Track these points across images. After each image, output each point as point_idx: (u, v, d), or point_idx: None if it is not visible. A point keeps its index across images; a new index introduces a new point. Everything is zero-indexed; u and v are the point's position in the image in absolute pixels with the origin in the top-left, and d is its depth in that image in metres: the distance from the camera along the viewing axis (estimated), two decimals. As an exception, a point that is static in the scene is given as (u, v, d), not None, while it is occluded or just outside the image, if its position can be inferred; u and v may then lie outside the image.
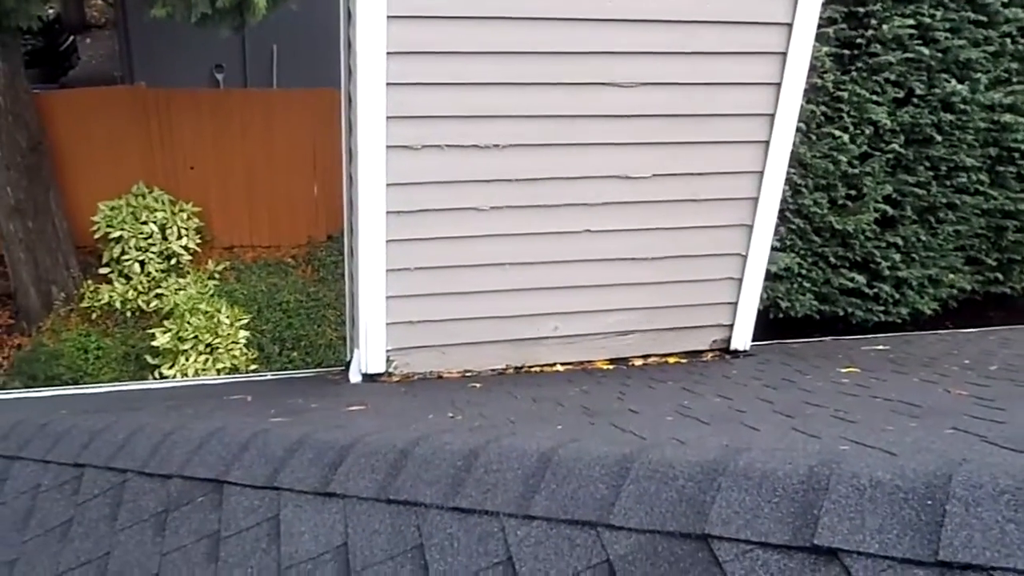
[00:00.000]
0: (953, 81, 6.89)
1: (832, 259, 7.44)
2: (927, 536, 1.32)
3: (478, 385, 3.50)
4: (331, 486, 2.02)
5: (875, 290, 7.56)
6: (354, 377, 3.78)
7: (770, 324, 7.36)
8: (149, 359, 8.25)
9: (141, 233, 9.46)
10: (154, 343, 8.09)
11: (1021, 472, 1.34)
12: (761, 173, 3.74)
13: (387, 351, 3.73)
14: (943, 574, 1.28)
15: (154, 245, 9.53)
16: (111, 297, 9.35)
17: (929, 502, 1.36)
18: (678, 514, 1.55)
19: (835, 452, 1.62)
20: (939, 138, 7.06)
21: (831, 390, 2.77)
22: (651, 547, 1.54)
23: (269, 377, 4.58)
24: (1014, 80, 7.05)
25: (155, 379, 7.78)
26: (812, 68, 6.63)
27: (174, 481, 2.32)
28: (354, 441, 2.12)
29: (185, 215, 9.88)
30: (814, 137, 6.95)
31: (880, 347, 4.21)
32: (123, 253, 9.42)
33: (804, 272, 7.41)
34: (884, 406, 2.32)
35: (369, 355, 3.71)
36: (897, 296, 7.65)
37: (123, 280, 9.50)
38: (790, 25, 3.50)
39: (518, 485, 1.77)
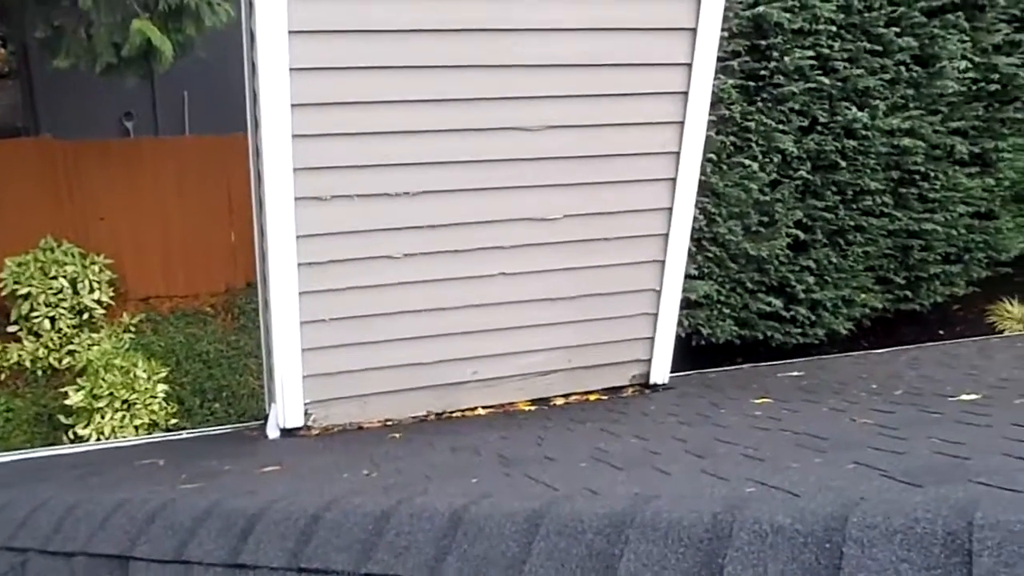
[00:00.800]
0: (854, 108, 7.14)
1: (749, 284, 7.60)
2: (826, 580, 1.34)
3: (398, 435, 3.46)
4: (241, 557, 1.96)
5: (792, 313, 7.75)
6: (272, 432, 3.70)
7: (693, 351, 7.47)
8: (62, 419, 7.95)
9: (51, 288, 9.16)
10: (67, 402, 7.80)
11: (913, 509, 1.37)
12: (670, 209, 3.81)
13: (305, 404, 3.67)
14: (843, 618, 1.30)
15: (65, 300, 9.23)
16: (20, 356, 9.01)
17: (827, 545, 1.38)
18: (588, 569, 1.55)
19: (740, 496, 1.63)
20: (843, 163, 7.30)
21: (744, 424, 2.81)
22: (562, 605, 1.53)
23: (185, 436, 4.45)
24: (911, 106, 7.34)
25: (69, 439, 7.50)
26: (720, 100, 6.83)
27: (78, 559, 2.23)
28: (264, 508, 2.07)
29: (97, 268, 9.60)
30: (725, 167, 7.12)
31: (794, 374, 4.29)
32: (32, 310, 9.10)
33: (723, 299, 7.55)
34: (792, 440, 2.36)
35: (287, 409, 3.64)
36: (813, 318, 7.84)
37: (33, 338, 9.16)
38: (690, 65, 3.59)
39: (430, 547, 1.75)
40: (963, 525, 1.31)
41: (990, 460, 1.80)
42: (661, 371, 4.11)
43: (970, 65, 7.32)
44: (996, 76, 7.48)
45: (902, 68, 7.20)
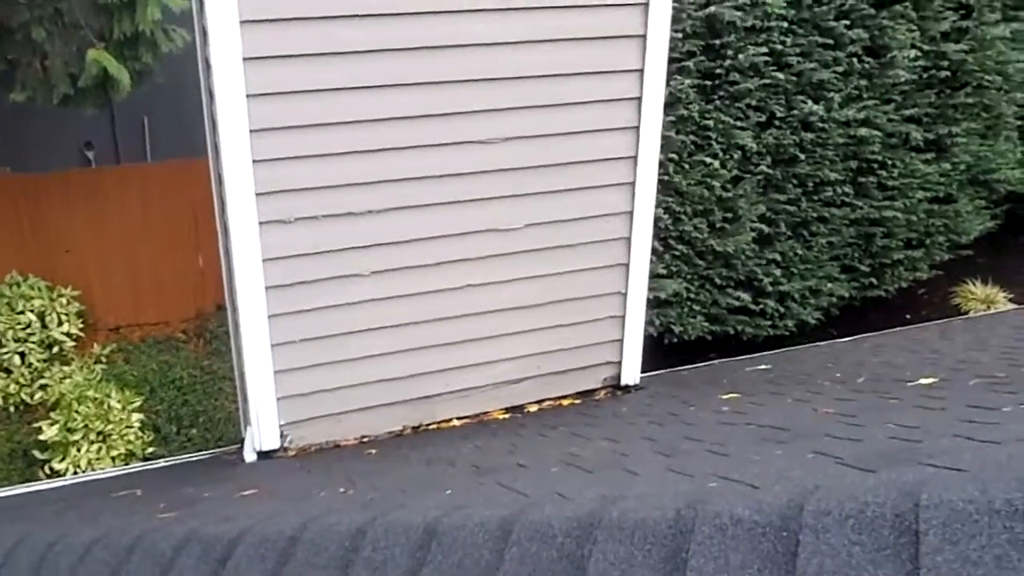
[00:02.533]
0: (809, 102, 7.25)
1: (718, 280, 7.69)
2: (784, 568, 1.40)
3: (374, 451, 3.49)
4: (221, 582, 1.99)
5: (761, 306, 7.84)
6: (249, 456, 3.72)
7: (666, 349, 7.55)
8: (37, 454, 7.88)
9: (18, 323, 9.08)
10: (42, 437, 7.74)
11: (864, 494, 1.43)
12: (631, 213, 3.88)
13: (280, 426, 3.69)
14: (802, 602, 1.36)
15: (34, 334, 9.16)
16: (-8, 393, 8.94)
17: (784, 534, 1.44)
18: (558, 571, 1.60)
19: (703, 491, 1.69)
20: (803, 156, 7.42)
21: (711, 420, 2.88)
22: (536, 608, 1.58)
23: (163, 464, 4.46)
24: (864, 96, 7.47)
25: (45, 475, 7.43)
26: (678, 100, 6.92)
27: (59, 595, 2.25)
28: (243, 532, 2.10)
29: (64, 300, 9.53)
30: (687, 166, 7.20)
31: (762, 367, 4.37)
32: (0, 346, 9.02)
33: (692, 296, 7.63)
34: (756, 434, 2.42)
35: (262, 432, 3.66)
36: (782, 310, 7.94)
37: (3, 374, 9.07)
38: (642, 71, 3.66)
39: (406, 559, 1.79)
40: (911, 506, 1.37)
41: (941, 442, 1.87)
42: (632, 372, 4.17)
43: (920, 54, 7.47)
44: (946, 63, 7.64)
45: (854, 60, 7.33)
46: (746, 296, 7.72)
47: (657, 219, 3.99)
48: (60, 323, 9.36)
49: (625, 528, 1.59)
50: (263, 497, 2.78)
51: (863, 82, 7.46)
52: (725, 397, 3.38)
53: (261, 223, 3.37)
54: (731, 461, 2.06)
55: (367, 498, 2.42)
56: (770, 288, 7.78)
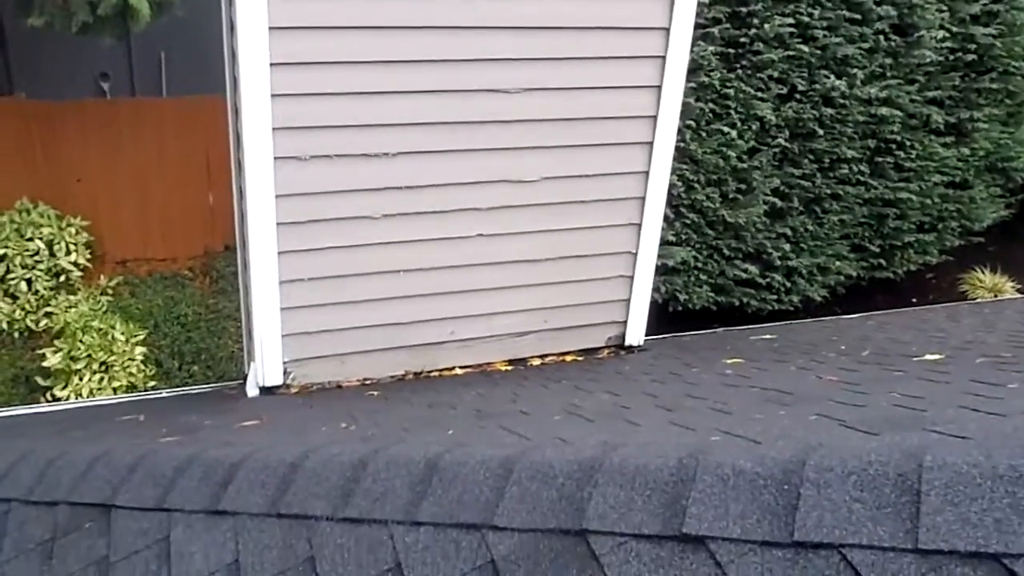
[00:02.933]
0: (832, 77, 7.19)
1: (726, 251, 7.68)
2: (784, 519, 1.41)
3: (376, 393, 3.51)
4: (221, 504, 2.01)
5: (768, 280, 7.84)
6: (251, 391, 3.74)
7: (670, 317, 7.56)
8: (40, 381, 7.94)
9: (27, 250, 9.10)
10: (45, 364, 7.79)
11: (867, 454, 1.44)
12: (647, 173, 3.85)
13: (284, 363, 3.71)
14: (798, 554, 1.37)
15: (41, 262, 9.18)
16: (-3, 318, 8.99)
17: (786, 487, 1.45)
18: (558, 512, 1.61)
19: (705, 444, 1.70)
20: (821, 132, 7.36)
21: (714, 382, 2.88)
22: (533, 545, 1.59)
23: (165, 395, 4.49)
24: (888, 75, 7.39)
25: (46, 401, 7.50)
26: (700, 67, 6.85)
27: (61, 508, 2.28)
28: (244, 457, 2.12)
29: (73, 230, 9.53)
30: (704, 134, 7.16)
31: (767, 336, 4.38)
32: (8, 272, 9.04)
33: (700, 265, 7.62)
34: (759, 395, 2.43)
35: (266, 368, 3.68)
36: (788, 285, 7.94)
37: (9, 300, 9.11)
38: (667, 29, 3.62)
39: (406, 492, 1.81)
40: (913, 467, 1.38)
41: (946, 412, 1.87)
42: (636, 333, 4.17)
43: (948, 35, 7.38)
44: (973, 46, 7.55)
45: (881, 37, 7.25)
46: (754, 269, 7.71)
47: (670, 186, 3.97)
48: (68, 252, 9.38)
49: (626, 473, 1.60)
50: (264, 428, 2.80)
51: (888, 60, 7.38)
52: (729, 361, 3.38)
53: (276, 158, 3.36)
54: (734, 419, 2.07)
55: (368, 433, 2.43)
56: (778, 262, 7.77)
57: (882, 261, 8.32)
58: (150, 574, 1.97)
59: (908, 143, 7.68)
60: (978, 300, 7.79)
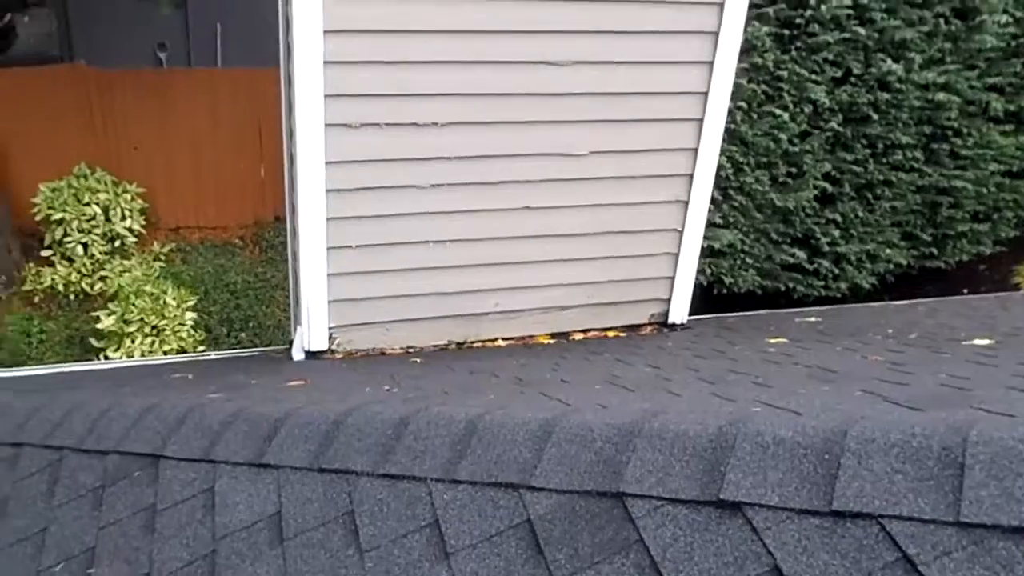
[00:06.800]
0: (889, 61, 7.05)
1: (774, 235, 7.60)
2: (823, 488, 1.40)
3: (419, 360, 3.55)
4: (265, 457, 2.06)
5: (815, 265, 7.75)
6: (297, 355, 3.80)
7: (714, 300, 7.51)
8: (94, 342, 8.14)
9: (84, 215, 9.31)
10: (98, 326, 7.99)
11: (911, 427, 1.43)
12: (696, 150, 3.82)
13: (330, 328, 3.76)
14: (836, 523, 1.37)
15: (97, 227, 9.39)
16: (54, 280, 9.21)
17: (826, 456, 1.44)
18: (595, 474, 1.62)
19: (746, 414, 1.69)
20: (875, 116, 7.24)
21: (756, 359, 2.87)
22: (570, 506, 1.61)
23: (213, 357, 4.58)
24: (947, 60, 7.23)
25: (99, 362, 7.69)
26: (753, 48, 6.76)
27: (111, 457, 2.34)
28: (288, 413, 2.16)
29: (129, 196, 9.74)
30: (755, 116, 7.08)
31: (811, 319, 4.33)
32: (65, 235, 9.26)
33: (746, 248, 7.56)
34: (802, 372, 2.41)
35: (312, 333, 3.73)
36: (836, 271, 7.84)
37: (66, 263, 9.35)
38: (722, 5, 3.57)
39: (445, 451, 1.83)
40: (958, 441, 1.36)
41: (994, 392, 1.84)
42: (680, 311, 4.15)
43: (1011, 20, 7.19)
44: (1037, 32, 7.36)
45: (941, 21, 7.09)
46: (801, 254, 7.63)
47: (719, 168, 3.93)
48: (123, 218, 9.58)
49: (665, 438, 1.61)
50: (308, 388, 2.85)
51: (947, 45, 7.22)
52: (772, 341, 3.36)
53: (327, 125, 3.39)
54: (776, 392, 2.06)
55: (410, 395, 2.46)
56: (827, 248, 7.67)
57: (933, 250, 8.17)
58: (195, 523, 2.02)
59: (965, 130, 7.51)
60: (1032, 293, 7.62)
